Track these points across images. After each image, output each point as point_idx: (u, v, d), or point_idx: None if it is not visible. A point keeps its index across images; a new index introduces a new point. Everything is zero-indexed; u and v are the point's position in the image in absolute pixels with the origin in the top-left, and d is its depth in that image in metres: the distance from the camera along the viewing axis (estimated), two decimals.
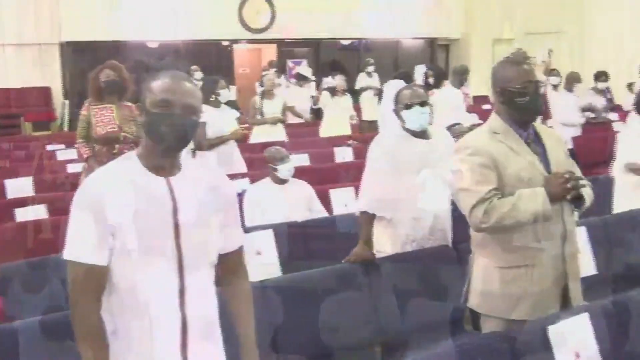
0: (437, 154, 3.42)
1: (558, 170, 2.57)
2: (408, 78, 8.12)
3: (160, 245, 1.86)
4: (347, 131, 8.56)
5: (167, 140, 1.86)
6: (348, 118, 8.60)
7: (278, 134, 7.83)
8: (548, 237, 2.58)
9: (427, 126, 3.46)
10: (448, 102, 7.12)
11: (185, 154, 1.98)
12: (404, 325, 3.32)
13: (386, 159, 3.40)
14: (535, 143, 2.66)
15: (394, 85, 8.98)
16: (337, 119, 8.56)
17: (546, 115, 8.26)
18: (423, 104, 3.39)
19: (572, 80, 8.37)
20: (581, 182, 2.57)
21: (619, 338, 2.69)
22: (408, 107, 3.39)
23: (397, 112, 3.48)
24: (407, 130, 3.45)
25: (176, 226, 1.88)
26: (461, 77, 7.33)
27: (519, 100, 2.57)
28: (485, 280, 2.70)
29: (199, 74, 11.48)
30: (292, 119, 9.51)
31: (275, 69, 12.70)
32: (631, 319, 2.73)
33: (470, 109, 8.39)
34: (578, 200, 2.59)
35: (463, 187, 2.61)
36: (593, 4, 14.31)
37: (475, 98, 12.85)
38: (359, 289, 3.29)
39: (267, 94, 7.88)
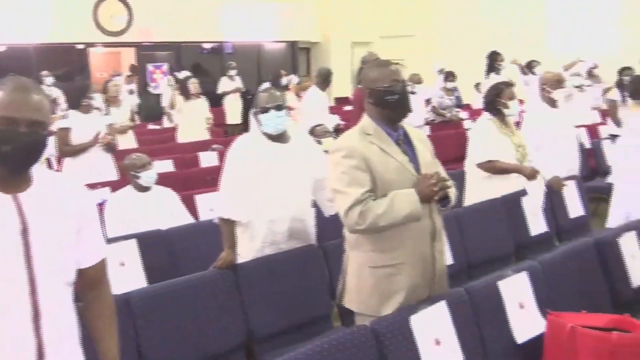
0: (296, 157, 3.44)
1: (426, 172, 2.67)
2: (276, 80, 8.21)
3: (6, 270, 1.72)
4: (205, 135, 8.40)
5: (11, 161, 1.72)
6: (204, 122, 8.39)
7: (129, 141, 7.64)
8: (418, 237, 2.69)
9: (285, 129, 3.47)
10: (313, 104, 7.27)
11: (38, 165, 1.84)
12: (273, 327, 3.34)
13: (242, 163, 3.38)
14: (405, 144, 2.75)
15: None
16: (193, 123, 8.35)
17: None
18: (279, 107, 3.39)
19: (414, 82, 8.79)
20: (447, 182, 2.70)
21: (474, 322, 2.88)
22: (265, 110, 3.38)
23: (255, 115, 3.47)
24: (265, 133, 3.44)
25: (26, 247, 1.75)
26: (325, 79, 7.49)
27: (389, 99, 2.66)
28: (359, 279, 2.75)
29: (50, 80, 10.87)
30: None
31: (128, 74, 12.33)
32: (482, 304, 2.92)
33: (331, 111, 8.58)
34: (445, 199, 2.72)
35: (337, 189, 2.64)
36: (442, 10, 15.24)
37: (336, 99, 13.19)
38: (226, 294, 3.26)
39: (112, 101, 7.65)
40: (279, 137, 3.46)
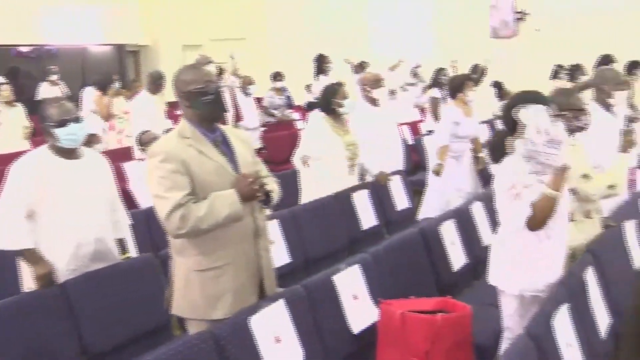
0: (89, 174, 3.28)
1: (246, 172, 2.69)
2: (102, 85, 7.81)
3: None
4: (26, 145, 7.75)
5: None
6: (22, 131, 7.73)
7: None
8: (241, 236, 2.70)
9: (79, 144, 3.26)
10: (142, 109, 7.03)
11: None
12: (110, 342, 3.20)
13: (26, 184, 3.09)
14: (224, 145, 2.75)
15: (89, 92, 8.49)
16: (9, 133, 7.67)
17: (238, 118, 8.66)
18: (77, 119, 3.20)
19: (246, 84, 8.87)
20: (266, 180, 2.75)
21: (312, 317, 2.97)
22: (62, 124, 3.14)
23: (47, 129, 3.17)
24: (57, 150, 3.20)
25: None
26: (156, 83, 7.27)
27: (204, 100, 2.65)
28: (186, 284, 2.72)
29: None
30: None
31: None
32: (319, 299, 3.02)
33: (167, 115, 8.36)
34: (266, 198, 2.76)
35: (157, 195, 2.58)
36: (272, 13, 15.48)
37: (170, 104, 12.87)
38: (56, 314, 3.07)
39: None
40: (71, 153, 3.25)
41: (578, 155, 3.21)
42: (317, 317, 2.98)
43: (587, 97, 4.03)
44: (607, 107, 4.08)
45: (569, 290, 2.83)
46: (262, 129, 9.02)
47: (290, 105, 10.18)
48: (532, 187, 2.71)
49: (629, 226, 3.82)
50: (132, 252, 3.72)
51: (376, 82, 5.37)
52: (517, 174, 2.72)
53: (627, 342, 0.64)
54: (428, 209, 5.72)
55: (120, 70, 14.56)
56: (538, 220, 2.72)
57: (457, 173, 5.64)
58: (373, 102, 5.35)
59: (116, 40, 14.99)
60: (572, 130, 3.23)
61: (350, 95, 5.03)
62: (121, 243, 3.52)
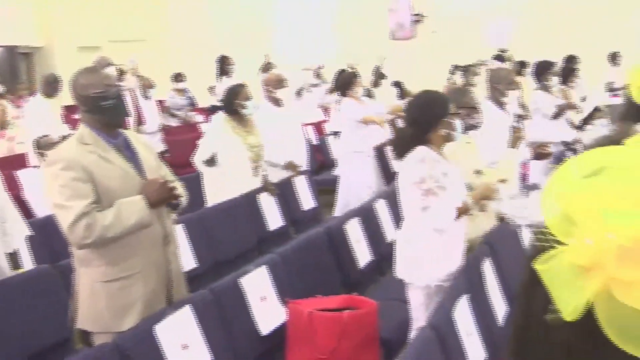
0: None
1: (152, 177, 2.63)
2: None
3: None
4: None
5: None
6: None
7: None
8: (150, 243, 2.64)
9: None
10: (36, 113, 6.71)
11: None
12: None
13: None
14: (127, 150, 2.68)
15: None
16: None
17: (140, 121, 8.42)
18: None
19: (146, 87, 8.67)
20: (174, 184, 2.70)
21: (220, 321, 2.94)
22: None
23: None
24: None
25: None
26: (51, 86, 6.95)
27: (105, 104, 2.57)
28: (91, 296, 2.61)
29: None
30: None
31: None
32: (227, 303, 3.00)
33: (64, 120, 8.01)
34: (174, 202, 2.71)
35: (58, 204, 2.46)
36: (172, 14, 15.18)
37: (66, 108, 12.35)
38: None
39: None
40: None
41: (472, 151, 3.36)
42: (225, 321, 2.96)
43: (481, 95, 4.22)
44: (500, 105, 4.28)
45: (468, 281, 2.96)
46: (162, 132, 8.81)
47: (193, 105, 10.01)
48: (447, 188, 2.84)
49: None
50: (28, 265, 3.55)
51: (279, 83, 5.39)
52: (426, 171, 2.84)
53: (515, 318, 0.68)
54: (342, 207, 5.81)
55: (11, 73, 13.83)
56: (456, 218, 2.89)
57: (364, 169, 5.78)
58: (276, 102, 5.36)
59: (7, 41, 14.23)
60: (466, 128, 3.38)
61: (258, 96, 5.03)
62: (13, 257, 3.34)
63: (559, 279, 0.56)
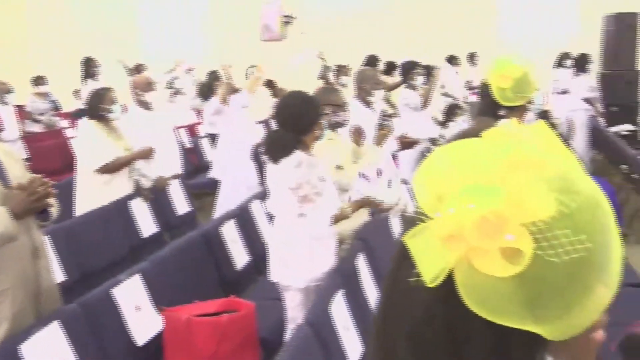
0: None
1: (19, 186, 2.46)
2: None
3: None
4: None
5: None
6: None
7: None
8: (18, 257, 2.45)
9: None
10: None
11: None
12: None
13: None
14: None
15: None
16: None
17: None
18: None
19: (3, 92, 8.14)
20: (44, 191, 2.51)
21: (92, 335, 2.82)
22: None
23: None
24: None
25: None
26: None
27: None
28: None
29: None
30: None
31: None
32: (99, 315, 2.88)
33: None
34: (44, 213, 2.54)
35: None
36: (33, 15, 14.31)
37: None
38: None
39: None
40: None
41: (334, 148, 3.44)
42: (98, 334, 2.84)
43: (350, 94, 4.35)
44: (367, 104, 4.43)
45: (343, 277, 3.03)
46: (22, 139, 8.30)
47: (56, 109, 9.49)
48: (323, 194, 2.87)
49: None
50: None
51: (148, 85, 5.24)
52: (302, 176, 2.85)
53: (382, 291, 0.73)
54: (223, 210, 5.74)
55: None
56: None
57: (243, 170, 5.76)
58: (146, 105, 5.20)
59: None
60: (332, 125, 3.46)
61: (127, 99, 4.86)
62: None
63: (424, 249, 0.62)
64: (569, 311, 0.61)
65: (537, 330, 0.60)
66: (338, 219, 2.98)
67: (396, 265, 0.69)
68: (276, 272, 3.10)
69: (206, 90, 6.34)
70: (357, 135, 3.76)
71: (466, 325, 0.62)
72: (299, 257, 2.99)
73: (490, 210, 0.59)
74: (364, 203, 3.10)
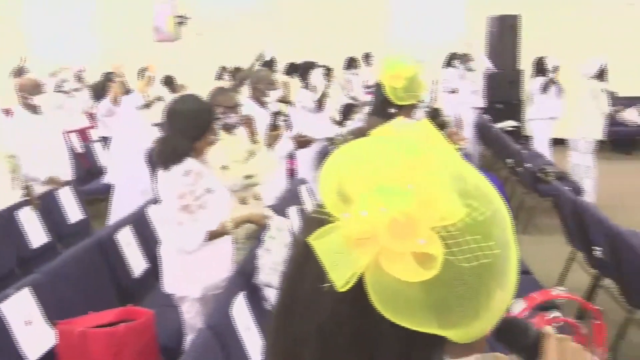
0: None
1: None
2: None
3: None
4: None
5: None
6: None
7: None
8: None
9: None
10: None
11: None
12: None
13: None
14: None
15: None
16: None
17: None
18: None
19: None
20: None
21: None
22: None
23: None
24: None
25: None
26: None
27: None
28: None
29: None
30: None
31: None
32: None
33: None
34: None
35: None
36: None
37: None
38: None
39: None
40: None
41: (228, 148, 3.42)
42: None
43: (245, 95, 4.34)
44: (262, 104, 4.43)
45: (243, 278, 3.02)
46: None
47: None
48: (207, 206, 2.81)
49: (292, 211, 4.22)
50: None
51: (36, 88, 4.98)
52: (188, 186, 2.78)
53: (282, 293, 0.72)
54: (117, 216, 5.56)
55: None
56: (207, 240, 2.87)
57: (137, 174, 5.60)
58: (33, 109, 4.95)
59: None
60: (224, 127, 3.44)
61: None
62: None
63: (332, 252, 0.60)
64: (475, 315, 0.62)
65: (444, 334, 0.61)
66: (215, 235, 2.89)
67: (298, 267, 0.67)
68: (169, 284, 3.02)
69: (99, 92, 6.11)
70: (249, 126, 3.71)
71: (375, 329, 0.61)
72: (192, 266, 2.91)
73: (402, 213, 0.59)
74: (247, 219, 3.05)
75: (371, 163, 0.63)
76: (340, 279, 0.59)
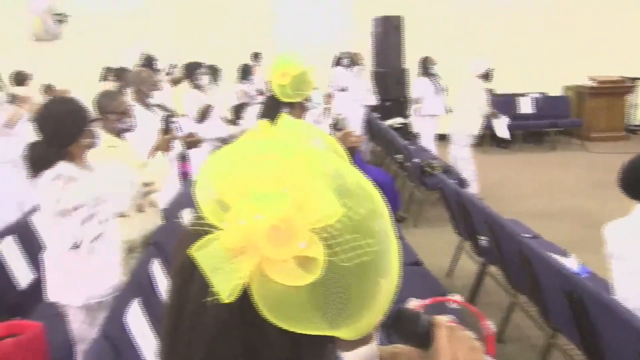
0: None
1: None
2: None
3: None
4: None
5: None
6: None
7: None
8: None
9: None
10: None
11: None
12: None
13: None
14: None
15: None
16: None
17: None
18: None
19: None
20: None
21: None
22: None
23: None
24: None
25: None
26: None
27: None
28: None
29: None
30: None
31: None
32: None
33: None
34: None
35: None
36: None
37: None
38: None
39: None
40: None
41: (117, 155, 3.32)
42: None
43: (130, 98, 4.21)
44: (147, 106, 4.32)
45: (137, 285, 2.95)
46: None
47: None
48: (82, 210, 2.69)
49: (186, 214, 4.16)
50: None
51: None
52: (61, 188, 2.66)
53: (169, 304, 0.69)
54: None
55: None
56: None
57: (10, 182, 5.29)
58: None
59: None
60: (117, 132, 3.34)
61: None
62: None
63: (214, 263, 0.58)
64: (361, 311, 0.62)
65: (336, 334, 0.61)
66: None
67: (183, 279, 0.65)
68: (53, 292, 2.90)
69: None
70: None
71: (262, 336, 0.61)
72: (74, 274, 2.80)
73: (279, 219, 0.58)
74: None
75: (245, 168, 0.62)
76: (225, 289, 0.58)
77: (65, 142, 2.73)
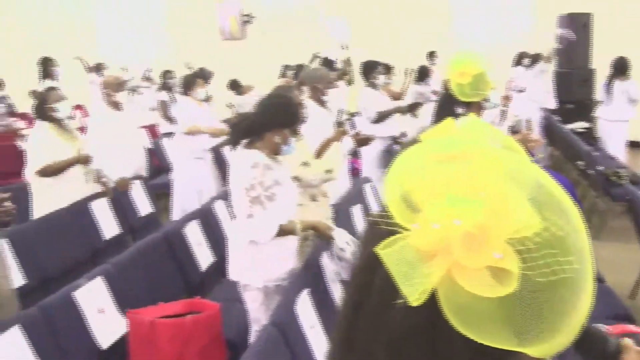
0: None
1: None
2: None
3: None
4: None
5: None
6: None
7: None
8: None
9: None
10: None
11: None
12: None
13: None
14: None
15: None
16: None
17: None
18: None
19: None
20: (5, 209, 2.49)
21: (54, 339, 2.77)
22: None
23: None
24: None
25: None
26: None
27: None
28: None
29: None
30: None
31: None
32: (59, 319, 2.83)
33: None
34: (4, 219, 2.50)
35: None
36: None
37: None
38: None
39: None
40: None
41: (299, 145, 3.46)
42: (60, 338, 2.80)
43: (306, 95, 4.34)
44: (322, 103, 4.42)
45: (308, 276, 3.04)
46: None
47: (13, 113, 9.26)
48: (276, 199, 2.86)
49: (356, 210, 4.22)
50: None
51: (119, 85, 5.22)
52: (257, 176, 2.84)
53: (347, 301, 0.70)
54: (179, 211, 5.70)
55: None
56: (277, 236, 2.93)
57: (197, 173, 5.72)
58: (116, 105, 5.15)
59: None
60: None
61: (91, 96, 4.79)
62: None
63: (403, 264, 0.57)
64: (554, 330, 0.59)
65: (524, 350, 0.58)
66: (285, 231, 2.95)
67: (365, 275, 0.64)
68: (234, 271, 3.09)
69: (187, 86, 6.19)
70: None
71: (447, 342, 0.59)
72: (258, 255, 2.97)
73: (475, 226, 0.56)
74: (313, 226, 3.11)
75: (437, 169, 0.59)
76: (414, 292, 0.56)
77: (262, 124, 2.94)
